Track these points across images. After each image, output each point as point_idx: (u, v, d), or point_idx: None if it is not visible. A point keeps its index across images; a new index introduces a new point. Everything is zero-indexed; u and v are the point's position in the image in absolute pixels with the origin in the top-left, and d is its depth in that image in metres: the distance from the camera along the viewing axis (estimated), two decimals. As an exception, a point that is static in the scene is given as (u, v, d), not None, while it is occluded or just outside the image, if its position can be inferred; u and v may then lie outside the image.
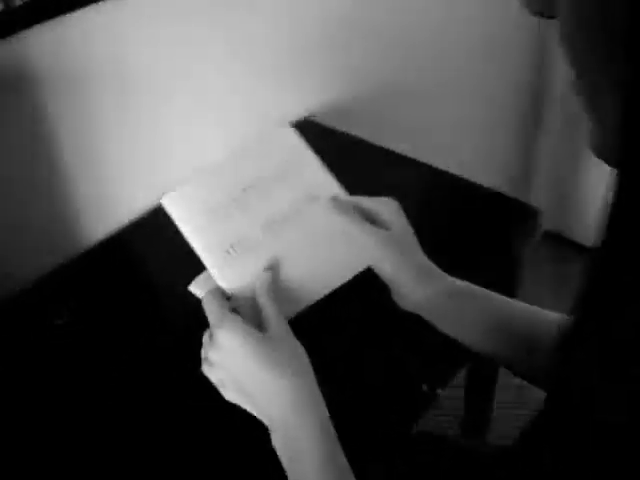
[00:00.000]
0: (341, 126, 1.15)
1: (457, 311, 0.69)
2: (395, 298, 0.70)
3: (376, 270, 0.68)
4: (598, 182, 1.82)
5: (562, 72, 1.69)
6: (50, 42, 0.81)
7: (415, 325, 0.71)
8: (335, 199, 0.69)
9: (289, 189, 0.69)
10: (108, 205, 0.97)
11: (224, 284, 0.64)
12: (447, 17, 1.39)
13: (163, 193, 0.67)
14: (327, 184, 0.70)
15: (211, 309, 0.61)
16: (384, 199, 0.70)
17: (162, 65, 0.95)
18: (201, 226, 0.66)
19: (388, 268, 0.67)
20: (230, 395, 0.60)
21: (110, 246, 0.97)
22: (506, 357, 0.69)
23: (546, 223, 1.95)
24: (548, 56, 1.72)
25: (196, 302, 0.64)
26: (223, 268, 0.64)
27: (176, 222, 0.66)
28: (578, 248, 1.96)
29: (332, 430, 0.57)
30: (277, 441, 0.58)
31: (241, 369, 0.58)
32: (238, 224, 0.66)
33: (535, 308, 0.70)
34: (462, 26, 1.43)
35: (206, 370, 0.61)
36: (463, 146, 1.59)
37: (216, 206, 0.66)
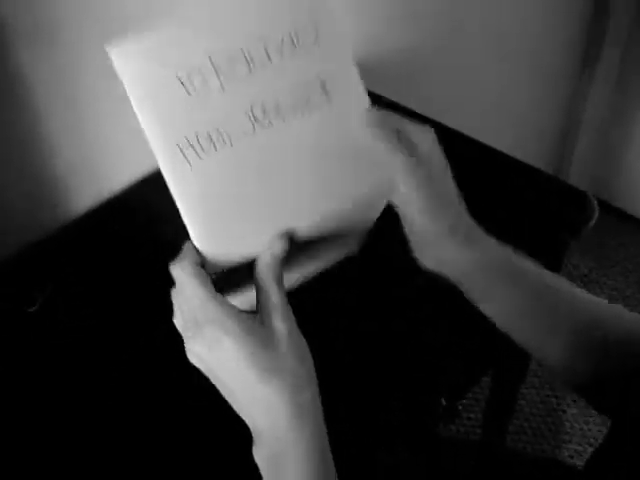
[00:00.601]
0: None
1: (498, 284, 0.56)
2: (417, 254, 0.57)
3: (400, 212, 0.54)
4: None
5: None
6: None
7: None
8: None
9: (296, 67, 0.49)
10: (95, 172, 0.88)
11: (198, 242, 0.50)
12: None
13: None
14: (349, 73, 0.51)
15: (194, 293, 0.49)
16: (421, 126, 0.53)
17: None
18: (160, 97, 0.46)
19: (415, 211, 0.53)
20: (212, 382, 0.51)
21: (96, 219, 0.88)
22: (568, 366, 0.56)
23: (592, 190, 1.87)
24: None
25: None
26: (181, 168, 0.47)
27: (125, 87, 0.46)
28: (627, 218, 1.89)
29: (329, 455, 0.49)
30: (261, 457, 0.49)
31: (233, 369, 0.48)
32: (215, 105, 0.48)
33: (606, 304, 0.56)
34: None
35: (189, 355, 0.51)
36: (503, 115, 1.53)
37: (187, 73, 0.46)
